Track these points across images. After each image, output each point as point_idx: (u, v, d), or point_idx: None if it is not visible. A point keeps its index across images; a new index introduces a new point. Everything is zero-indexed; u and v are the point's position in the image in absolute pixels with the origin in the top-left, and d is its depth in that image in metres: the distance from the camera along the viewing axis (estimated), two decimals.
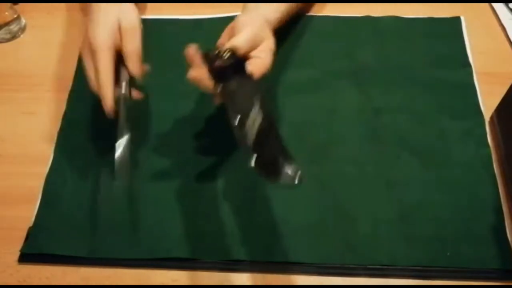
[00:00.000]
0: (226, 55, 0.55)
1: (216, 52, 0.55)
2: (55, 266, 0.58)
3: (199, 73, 0.56)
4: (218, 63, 0.54)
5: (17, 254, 0.59)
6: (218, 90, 0.55)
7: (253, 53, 0.58)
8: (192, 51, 0.56)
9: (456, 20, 0.76)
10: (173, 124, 0.68)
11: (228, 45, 0.56)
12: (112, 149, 0.65)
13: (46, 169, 0.64)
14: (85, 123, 0.68)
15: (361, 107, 0.68)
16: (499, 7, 0.78)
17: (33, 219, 0.61)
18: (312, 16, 0.78)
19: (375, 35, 0.75)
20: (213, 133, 0.67)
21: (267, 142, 0.51)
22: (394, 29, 0.76)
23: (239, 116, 0.52)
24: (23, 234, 0.60)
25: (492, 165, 0.63)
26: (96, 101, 0.70)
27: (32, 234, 0.60)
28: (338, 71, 0.71)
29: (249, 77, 0.55)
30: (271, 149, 0.51)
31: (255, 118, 0.52)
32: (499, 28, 0.76)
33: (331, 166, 0.63)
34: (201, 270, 0.57)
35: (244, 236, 0.59)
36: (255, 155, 0.49)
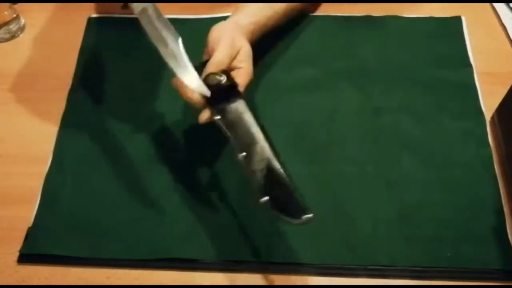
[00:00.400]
0: (214, 81, 0.56)
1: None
2: (55, 266, 0.58)
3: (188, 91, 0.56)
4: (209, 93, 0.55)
5: (17, 254, 0.58)
6: (215, 118, 0.55)
7: (233, 64, 0.59)
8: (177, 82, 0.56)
9: (456, 20, 0.76)
10: (173, 124, 0.68)
11: (210, 68, 0.57)
12: (112, 149, 0.66)
13: (45, 169, 0.64)
14: (85, 123, 0.68)
15: (361, 107, 0.68)
16: (500, 6, 0.78)
17: (32, 219, 0.61)
18: (312, 16, 0.78)
19: (375, 35, 0.75)
20: (214, 134, 0.66)
21: (277, 182, 0.51)
22: (394, 29, 0.75)
23: (243, 154, 0.52)
24: (23, 235, 0.60)
25: (492, 165, 0.63)
26: (95, 101, 0.71)
27: (31, 235, 0.60)
28: (338, 71, 0.71)
29: (242, 98, 0.56)
30: (282, 189, 0.51)
31: (261, 156, 0.52)
32: (499, 28, 0.76)
33: (331, 166, 0.63)
34: (201, 270, 0.57)
35: (244, 236, 0.59)
36: (266, 197, 0.49)
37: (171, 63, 0.55)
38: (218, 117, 0.55)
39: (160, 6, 0.82)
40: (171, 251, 0.58)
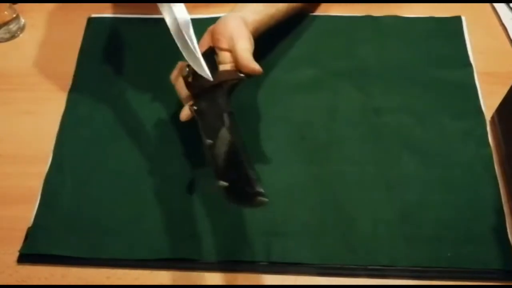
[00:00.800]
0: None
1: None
2: (54, 266, 0.58)
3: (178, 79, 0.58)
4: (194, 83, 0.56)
5: (16, 254, 0.58)
6: (193, 109, 0.56)
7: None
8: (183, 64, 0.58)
9: (457, 20, 0.76)
10: (173, 124, 0.67)
11: (246, 54, 0.57)
12: (112, 149, 0.66)
13: (45, 169, 0.64)
14: (84, 123, 0.68)
15: (362, 107, 0.68)
16: (500, 6, 0.78)
17: (32, 219, 0.61)
18: (312, 16, 0.78)
19: (375, 35, 0.75)
20: None
21: (234, 169, 0.51)
22: (394, 29, 0.75)
23: (208, 140, 0.53)
24: (22, 235, 0.60)
25: (493, 165, 0.63)
26: (95, 101, 0.70)
27: (31, 235, 0.60)
28: (338, 71, 0.71)
29: (221, 91, 0.56)
30: (238, 177, 0.51)
31: (224, 140, 0.52)
32: (500, 28, 0.76)
33: (331, 166, 0.63)
34: (201, 270, 0.57)
35: (244, 236, 0.59)
36: (223, 183, 0.50)
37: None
38: (195, 108, 0.56)
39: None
40: (171, 251, 0.58)
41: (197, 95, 0.57)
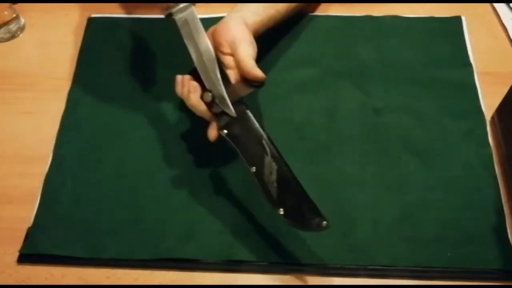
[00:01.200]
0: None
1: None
2: (55, 266, 0.58)
3: (194, 99, 0.57)
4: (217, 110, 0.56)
5: (16, 254, 0.58)
6: (223, 134, 0.56)
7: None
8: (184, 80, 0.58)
9: (456, 20, 0.76)
10: (173, 124, 0.68)
11: (248, 60, 0.57)
12: (112, 149, 0.66)
13: (45, 169, 0.64)
14: (84, 123, 0.68)
15: (362, 107, 0.68)
16: (500, 6, 0.78)
17: (32, 219, 0.61)
18: (312, 16, 0.78)
19: (375, 34, 0.75)
20: None
21: (290, 192, 0.52)
22: (394, 29, 0.75)
23: (254, 168, 0.53)
24: (22, 235, 0.60)
25: (493, 165, 0.63)
26: (95, 101, 0.70)
27: (31, 235, 0.60)
28: (338, 71, 0.71)
29: (246, 107, 0.56)
30: (295, 198, 0.52)
31: (271, 167, 0.53)
32: (500, 28, 0.76)
33: (331, 166, 0.63)
34: (201, 270, 0.57)
35: (244, 236, 0.59)
36: (281, 210, 0.51)
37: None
38: (225, 131, 0.56)
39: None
40: (171, 251, 0.58)
41: (220, 114, 0.56)
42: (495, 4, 0.78)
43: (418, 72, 0.71)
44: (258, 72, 0.56)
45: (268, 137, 0.55)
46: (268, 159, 0.53)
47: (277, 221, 0.59)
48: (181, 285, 0.57)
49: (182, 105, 0.68)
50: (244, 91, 0.58)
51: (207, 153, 0.65)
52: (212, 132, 0.57)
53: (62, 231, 0.60)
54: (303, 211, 0.52)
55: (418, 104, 0.68)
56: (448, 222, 0.59)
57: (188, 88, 0.57)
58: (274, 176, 0.52)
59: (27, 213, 0.61)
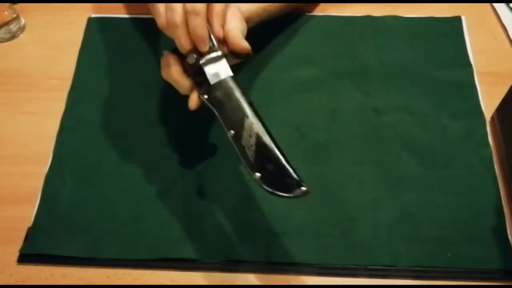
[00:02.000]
0: (210, 55, 0.53)
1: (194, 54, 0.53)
2: (55, 266, 0.58)
3: (175, 71, 0.55)
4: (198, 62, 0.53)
5: (16, 254, 0.58)
6: (204, 99, 0.54)
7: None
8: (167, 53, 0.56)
9: (456, 20, 0.76)
10: (173, 124, 0.68)
11: (237, 33, 0.55)
12: (112, 149, 0.66)
13: (45, 169, 0.64)
14: (85, 123, 0.68)
15: (362, 107, 0.68)
16: (500, 7, 0.78)
17: (32, 219, 0.61)
18: (312, 16, 0.78)
19: (375, 35, 0.75)
20: (214, 133, 0.66)
21: (268, 157, 0.50)
22: (394, 29, 0.75)
23: (232, 132, 0.51)
24: (23, 235, 0.60)
25: (493, 165, 0.63)
26: (95, 101, 0.70)
27: (31, 235, 0.60)
28: (338, 71, 0.71)
29: (232, 76, 0.54)
30: (273, 162, 0.50)
31: (250, 131, 0.51)
32: (500, 28, 0.76)
33: (331, 166, 0.63)
34: (201, 270, 0.57)
35: (244, 236, 0.59)
36: (258, 174, 0.49)
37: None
38: (205, 96, 0.54)
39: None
40: (171, 251, 0.58)
41: (202, 83, 0.55)
42: (495, 4, 0.78)
43: (418, 72, 0.71)
44: (244, 44, 0.55)
45: (250, 103, 0.53)
46: (248, 122, 0.51)
47: (277, 221, 0.59)
48: (181, 285, 0.57)
49: (182, 105, 0.69)
50: (230, 61, 0.56)
51: (208, 152, 0.65)
52: (193, 99, 0.55)
53: (62, 231, 0.60)
54: (281, 176, 0.49)
55: (418, 104, 0.68)
56: (448, 222, 0.59)
57: (167, 61, 0.55)
58: (253, 140, 0.50)
59: (27, 213, 0.61)
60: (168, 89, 0.58)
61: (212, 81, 0.54)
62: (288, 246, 0.58)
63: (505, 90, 0.63)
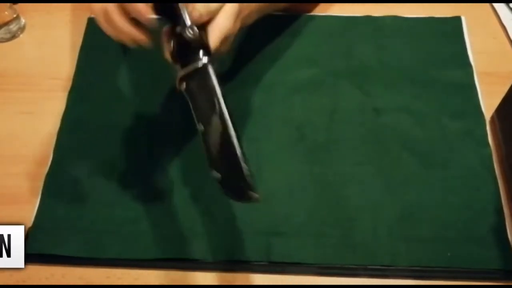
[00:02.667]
0: (188, 32, 0.50)
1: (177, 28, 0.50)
2: (55, 266, 0.58)
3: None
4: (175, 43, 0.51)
5: None
6: (181, 89, 0.52)
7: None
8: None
9: (456, 20, 0.76)
10: (173, 124, 0.67)
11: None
12: (112, 149, 0.66)
13: (46, 169, 0.64)
14: (85, 123, 0.68)
15: (362, 107, 0.68)
16: (500, 7, 0.78)
17: (32, 219, 0.61)
18: (312, 16, 0.78)
19: (375, 35, 0.75)
20: None
21: (228, 157, 0.48)
22: (394, 29, 0.75)
23: (202, 126, 0.49)
24: None
25: (492, 165, 0.63)
26: (95, 101, 0.70)
27: (31, 235, 0.59)
28: (338, 71, 0.71)
29: (211, 70, 0.50)
30: (232, 165, 0.47)
31: (217, 128, 0.48)
32: (499, 28, 0.76)
33: (331, 166, 0.63)
34: (201, 270, 0.57)
35: (244, 236, 0.59)
36: (218, 174, 0.48)
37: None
38: (184, 85, 0.51)
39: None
40: (171, 251, 0.58)
41: (184, 65, 0.51)
42: (495, 4, 0.78)
43: (418, 72, 0.71)
44: (214, 45, 0.52)
45: (223, 96, 0.49)
46: (215, 119, 0.48)
47: (277, 221, 0.59)
48: (181, 285, 0.57)
49: (183, 105, 0.69)
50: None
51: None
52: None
53: (62, 231, 0.60)
54: (236, 180, 0.47)
55: (418, 104, 0.68)
56: (448, 222, 0.59)
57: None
58: (218, 138, 0.48)
59: (27, 213, 0.61)
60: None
61: (191, 68, 0.51)
62: (288, 246, 0.58)
63: (505, 90, 0.63)
